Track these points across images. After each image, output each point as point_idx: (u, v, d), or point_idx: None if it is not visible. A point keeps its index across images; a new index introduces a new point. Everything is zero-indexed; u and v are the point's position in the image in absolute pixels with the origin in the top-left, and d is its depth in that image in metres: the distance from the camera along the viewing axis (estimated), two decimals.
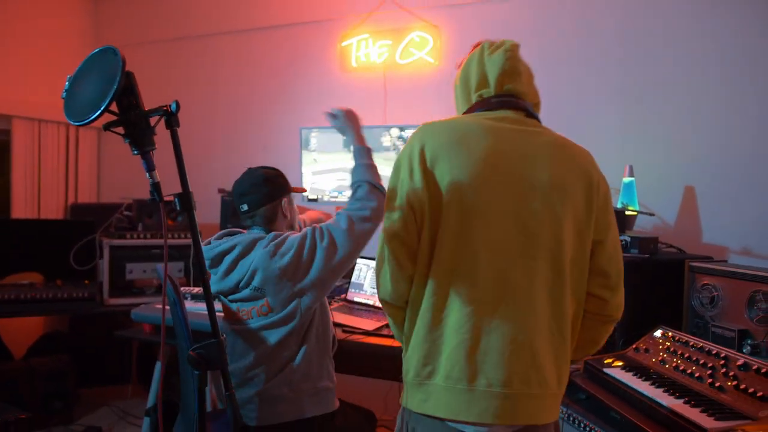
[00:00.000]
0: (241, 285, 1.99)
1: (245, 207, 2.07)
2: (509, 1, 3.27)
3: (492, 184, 1.32)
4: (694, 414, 1.54)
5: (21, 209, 4.01)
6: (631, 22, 2.96)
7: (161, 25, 4.37)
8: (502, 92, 1.44)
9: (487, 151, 1.34)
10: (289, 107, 3.91)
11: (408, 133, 3.27)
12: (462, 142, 1.35)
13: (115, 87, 1.13)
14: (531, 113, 1.46)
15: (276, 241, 1.96)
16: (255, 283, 1.95)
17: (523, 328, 1.29)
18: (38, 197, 4.14)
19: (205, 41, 4.22)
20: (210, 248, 2.05)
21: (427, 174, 1.34)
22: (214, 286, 2.07)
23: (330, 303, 2.79)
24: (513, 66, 1.45)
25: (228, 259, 2.01)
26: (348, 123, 2.13)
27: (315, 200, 3.57)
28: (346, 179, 3.44)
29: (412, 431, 1.37)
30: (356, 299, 2.80)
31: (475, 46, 1.55)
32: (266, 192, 2.08)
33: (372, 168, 2.03)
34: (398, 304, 1.42)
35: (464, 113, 1.50)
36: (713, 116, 2.72)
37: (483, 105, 1.45)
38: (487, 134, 1.37)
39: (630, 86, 2.96)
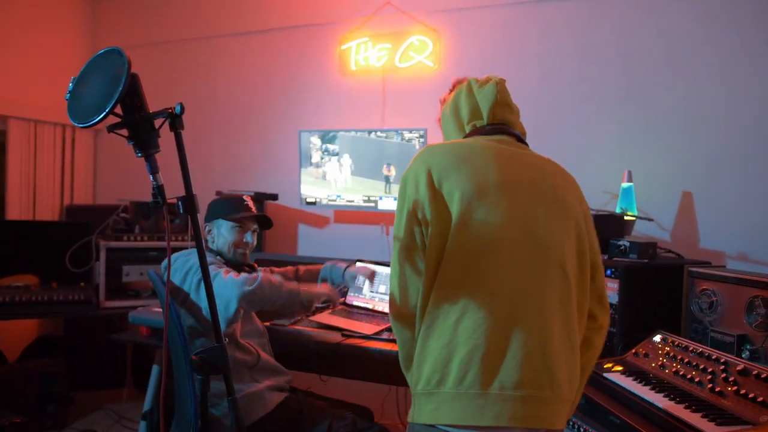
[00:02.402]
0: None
1: None
2: (508, 6, 3.29)
3: (500, 196, 1.37)
4: (695, 419, 1.54)
5: (16, 210, 3.98)
6: (630, 29, 2.97)
7: (159, 27, 4.36)
8: (495, 121, 1.55)
9: (491, 165, 1.41)
10: (289, 110, 3.90)
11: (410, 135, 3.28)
12: (467, 160, 1.42)
13: (120, 89, 1.12)
14: (521, 140, 1.57)
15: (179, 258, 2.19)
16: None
17: (535, 334, 1.31)
18: (33, 198, 4.11)
19: (204, 44, 4.21)
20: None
21: (434, 191, 1.38)
22: None
23: (328, 307, 2.78)
24: (504, 98, 1.57)
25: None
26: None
27: (313, 203, 3.57)
28: (346, 184, 3.44)
29: None
30: (356, 303, 2.80)
31: (456, 84, 1.68)
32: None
33: (295, 291, 2.20)
34: (409, 316, 1.43)
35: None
36: (711, 122, 2.74)
37: (478, 132, 1.55)
38: (489, 152, 1.45)
39: (629, 92, 2.97)
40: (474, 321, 1.31)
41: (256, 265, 2.42)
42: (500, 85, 1.58)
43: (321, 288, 2.33)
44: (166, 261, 2.14)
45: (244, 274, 2.06)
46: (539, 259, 1.36)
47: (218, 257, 2.27)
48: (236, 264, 2.28)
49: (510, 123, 1.57)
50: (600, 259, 1.52)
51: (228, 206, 2.31)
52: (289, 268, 2.59)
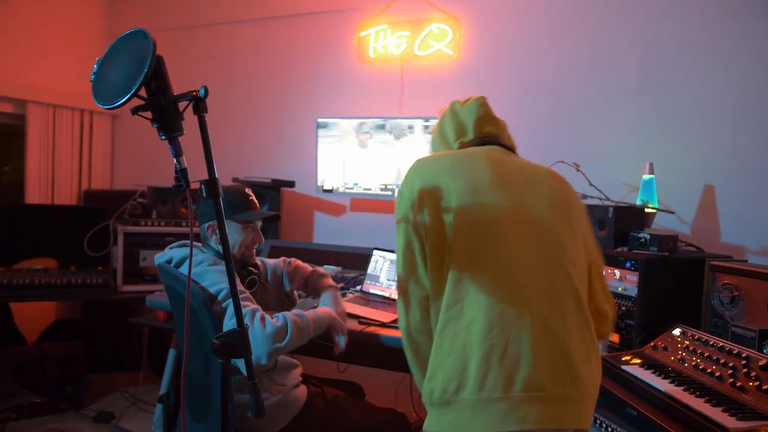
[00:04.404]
0: None
1: None
2: None
3: (497, 192, 1.37)
4: (716, 413, 1.52)
5: (35, 194, 4.02)
6: (650, 18, 2.92)
7: (176, 13, 4.36)
8: (482, 135, 1.55)
9: (483, 167, 1.41)
10: (306, 97, 3.89)
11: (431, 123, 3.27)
12: (457, 164, 1.42)
13: (146, 70, 1.12)
14: (511, 150, 1.56)
15: (196, 271, 1.98)
16: None
17: (551, 330, 1.26)
18: (52, 183, 4.15)
19: (221, 29, 4.22)
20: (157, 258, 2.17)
21: (427, 201, 1.37)
22: None
23: (345, 295, 2.79)
24: (487, 112, 1.58)
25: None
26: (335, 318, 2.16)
27: (330, 191, 3.57)
28: (362, 171, 3.44)
29: None
30: (372, 291, 2.80)
31: (441, 112, 1.69)
32: (197, 214, 2.20)
33: (321, 326, 2.06)
34: (416, 332, 1.42)
35: None
36: (734, 115, 2.69)
37: (465, 146, 1.55)
38: (479, 157, 1.45)
39: (650, 82, 2.93)
40: (487, 321, 1.26)
41: (261, 264, 2.30)
42: (482, 101, 1.59)
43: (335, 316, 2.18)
44: (161, 254, 2.13)
45: (271, 324, 1.88)
46: (546, 252, 1.33)
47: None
48: (241, 264, 2.15)
49: (497, 136, 1.56)
50: (599, 254, 1.52)
51: (234, 204, 2.12)
52: (307, 267, 2.48)
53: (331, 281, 2.43)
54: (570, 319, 1.29)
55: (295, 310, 2.03)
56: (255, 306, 1.93)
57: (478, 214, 1.34)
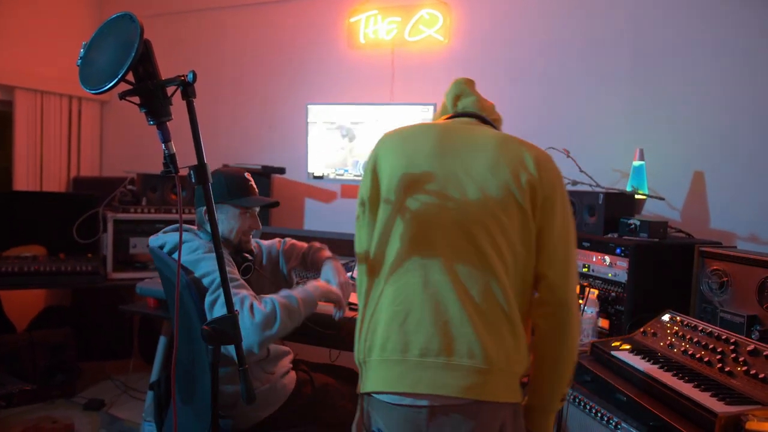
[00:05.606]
0: None
1: None
2: None
3: (432, 169, 1.42)
4: (704, 398, 1.54)
5: (23, 182, 3.98)
6: (641, 5, 2.92)
7: None
8: (457, 110, 1.62)
9: (431, 141, 1.47)
10: (296, 83, 3.86)
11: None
12: (408, 139, 1.51)
13: (133, 55, 1.10)
14: (486, 120, 1.59)
15: (190, 258, 1.92)
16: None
17: (457, 305, 1.31)
18: (40, 170, 4.10)
19: (210, 15, 4.17)
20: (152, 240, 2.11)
21: (373, 170, 1.50)
22: None
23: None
24: (463, 89, 1.64)
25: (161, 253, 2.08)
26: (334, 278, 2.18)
27: (320, 177, 3.55)
28: (350, 157, 3.42)
29: (367, 414, 1.41)
30: None
31: None
32: (194, 198, 2.14)
33: (311, 304, 1.98)
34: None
35: None
36: (724, 102, 2.69)
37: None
38: (431, 130, 1.52)
39: (641, 68, 2.92)
40: (395, 289, 1.36)
41: (254, 250, 2.23)
42: (460, 80, 1.66)
43: (330, 286, 2.13)
44: (156, 237, 2.07)
45: (260, 312, 1.81)
46: (463, 230, 1.36)
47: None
48: (237, 250, 2.11)
49: (475, 110, 1.60)
50: (553, 223, 1.41)
51: (233, 188, 2.07)
52: (304, 245, 2.44)
53: (329, 253, 2.35)
54: (482, 297, 1.33)
55: (283, 292, 1.94)
56: (246, 293, 1.86)
57: (402, 193, 1.42)
